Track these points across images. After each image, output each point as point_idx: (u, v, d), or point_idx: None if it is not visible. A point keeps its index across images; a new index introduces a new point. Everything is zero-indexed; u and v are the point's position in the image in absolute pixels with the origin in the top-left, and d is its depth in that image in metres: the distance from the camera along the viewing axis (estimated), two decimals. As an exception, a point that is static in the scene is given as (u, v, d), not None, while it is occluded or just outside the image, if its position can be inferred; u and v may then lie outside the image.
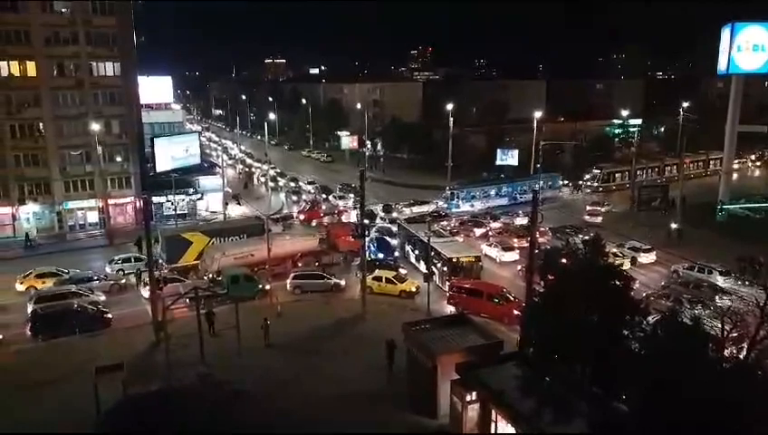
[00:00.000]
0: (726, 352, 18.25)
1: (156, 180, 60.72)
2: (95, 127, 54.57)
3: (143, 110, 66.73)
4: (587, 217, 60.05)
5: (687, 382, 15.40)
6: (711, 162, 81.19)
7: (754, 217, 51.25)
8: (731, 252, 43.74)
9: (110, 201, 58.16)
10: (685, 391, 15.25)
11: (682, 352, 16.52)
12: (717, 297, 34.84)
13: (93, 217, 58.09)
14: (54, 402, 26.07)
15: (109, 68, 56.84)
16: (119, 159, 58.34)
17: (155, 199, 57.70)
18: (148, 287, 36.63)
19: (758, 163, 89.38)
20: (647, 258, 46.75)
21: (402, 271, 43.76)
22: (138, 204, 57.51)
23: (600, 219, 59.34)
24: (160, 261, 43.41)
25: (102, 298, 39.00)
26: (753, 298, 20.08)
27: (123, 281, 42.69)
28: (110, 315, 36.06)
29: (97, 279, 42.10)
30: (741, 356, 18.41)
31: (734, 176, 69.00)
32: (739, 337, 19.33)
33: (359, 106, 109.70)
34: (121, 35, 56.88)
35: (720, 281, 40.13)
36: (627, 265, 40.77)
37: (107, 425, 22.94)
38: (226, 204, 61.76)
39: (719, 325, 19.76)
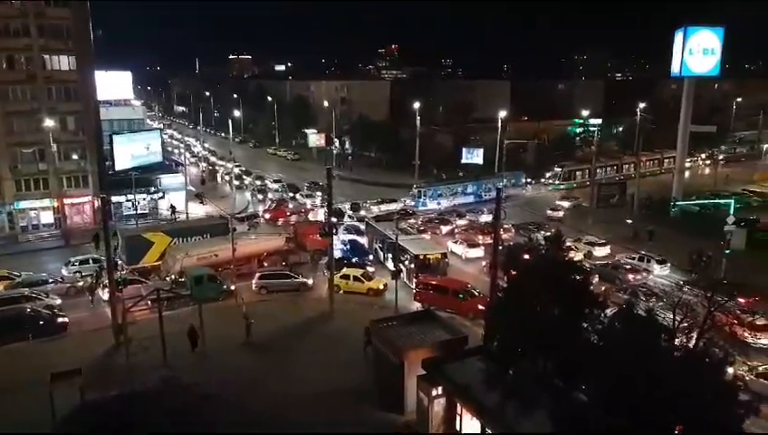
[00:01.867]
0: (677, 342, 18.90)
1: (115, 179, 59.34)
2: (49, 123, 52.76)
3: (101, 106, 64.96)
4: (549, 212, 62.01)
5: (643, 372, 15.91)
6: (665, 160, 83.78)
7: (705, 213, 53.10)
8: (684, 246, 45.76)
9: (66, 201, 56.45)
10: (641, 380, 15.76)
11: (637, 342, 17.05)
12: (631, 276, 41.81)
13: (48, 217, 56.28)
14: (7, 412, 25.02)
15: (63, 62, 55.04)
16: (75, 156, 56.59)
17: (114, 199, 56.33)
18: (107, 289, 35.82)
19: (708, 162, 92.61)
20: (601, 252, 48.18)
21: (370, 269, 43.85)
22: (96, 203, 56.00)
23: (561, 214, 61.54)
24: (120, 262, 42.44)
25: (58, 302, 37.80)
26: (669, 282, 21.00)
27: (80, 283, 41.51)
28: (66, 319, 34.94)
29: (52, 282, 40.91)
30: (690, 345, 19.11)
31: (687, 174, 71.29)
32: (689, 327, 20.08)
33: (326, 104, 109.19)
34: (77, 28, 55.16)
35: (657, 269, 43.64)
36: (580, 257, 42.19)
37: (63, 433, 22.34)
38: (169, 207, 60.72)
39: (671, 316, 20.45)
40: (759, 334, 31.11)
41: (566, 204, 65.94)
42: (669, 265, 44.25)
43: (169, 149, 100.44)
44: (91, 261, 44.08)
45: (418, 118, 75.19)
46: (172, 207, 60.29)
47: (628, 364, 16.16)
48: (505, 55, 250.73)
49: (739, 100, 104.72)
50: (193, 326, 30.63)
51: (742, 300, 28.14)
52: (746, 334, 29.92)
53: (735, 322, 22.21)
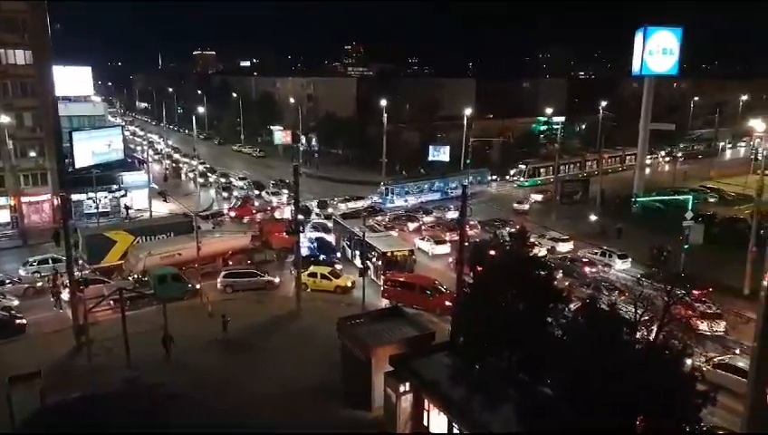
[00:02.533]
0: (638, 335, 19.43)
1: (75, 177, 57.87)
2: (4, 120, 51.16)
3: (60, 102, 63.22)
4: (516, 205, 64.45)
5: (605, 365, 16.33)
6: (627, 158, 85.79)
7: (665, 209, 54.61)
8: (645, 241, 47.09)
9: (24, 199, 54.75)
10: (603, 373, 16.17)
11: (600, 336, 17.49)
12: (588, 269, 43.33)
13: (4, 216, 54.55)
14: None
15: (19, 56, 53.36)
16: (33, 154, 54.94)
17: (75, 197, 54.91)
18: (67, 289, 34.96)
19: (668, 159, 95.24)
20: (564, 247, 49.21)
21: (338, 266, 43.82)
22: (55, 202, 54.48)
23: (527, 207, 64.21)
24: (81, 261, 41.44)
25: (16, 303, 36.82)
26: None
27: (39, 284, 40.38)
28: (24, 321, 34.06)
29: (9, 282, 39.76)
30: (651, 338, 19.67)
31: (647, 171, 73.22)
32: (649, 320, 20.66)
33: (292, 101, 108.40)
34: (33, 21, 53.57)
35: (618, 263, 44.99)
36: (543, 253, 42.97)
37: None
38: (123, 207, 59.50)
39: (633, 310, 21.01)
40: (708, 322, 32.29)
41: (539, 197, 68.40)
42: (630, 259, 45.44)
43: (132, 146, 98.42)
44: (50, 261, 42.89)
45: (385, 115, 75.35)
46: (126, 207, 58.94)
47: (591, 358, 16.58)
48: (471, 54, 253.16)
49: (696, 99, 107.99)
50: (167, 333, 29.73)
51: (696, 292, 29.11)
52: (699, 323, 30.95)
53: (690, 312, 22.99)
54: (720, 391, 18.79)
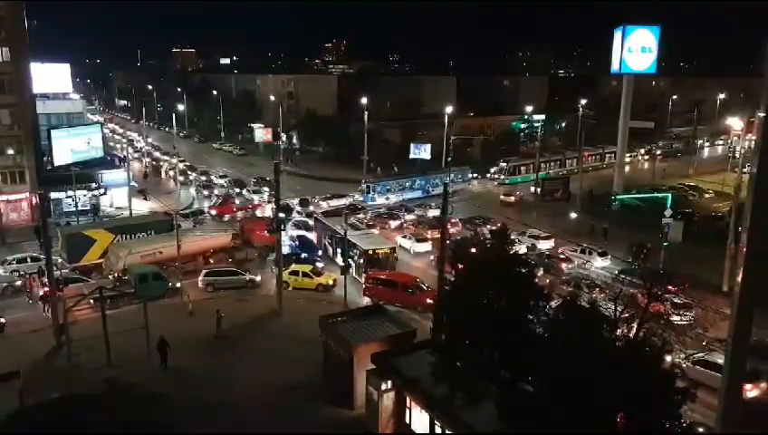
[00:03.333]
0: (618, 332, 19.70)
1: (54, 175, 57.08)
2: (-19, 117, 50.35)
3: (38, 99, 62.19)
4: (503, 197, 67.00)
5: (585, 362, 16.59)
6: (607, 156, 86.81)
7: (644, 207, 55.39)
8: (624, 238, 47.85)
9: (2, 197, 53.90)
10: (582, 370, 16.43)
11: (580, 333, 17.75)
12: (565, 265, 44.42)
13: (-18, 214, 53.65)
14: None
15: (-5, 53, 52.52)
16: (10, 151, 54.11)
17: (54, 195, 54.27)
18: (45, 288, 34.56)
19: (647, 157, 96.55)
20: (545, 244, 49.72)
21: (319, 265, 43.81)
22: (34, 200, 53.68)
23: (512, 199, 66.20)
24: (60, 260, 40.94)
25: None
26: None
27: (18, 283, 39.83)
28: (2, 320, 33.66)
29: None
30: (631, 335, 19.95)
31: (627, 169, 74.17)
32: (630, 317, 20.93)
33: (272, 98, 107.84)
34: (10, 18, 52.73)
35: (598, 261, 45.68)
36: (523, 250, 43.41)
37: (3, 437, 21.59)
38: (90, 207, 58.39)
39: (612, 307, 21.30)
40: (678, 311, 32.93)
41: (511, 199, 68.04)
42: (610, 256, 46.10)
43: (111, 144, 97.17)
44: (29, 259, 42.39)
45: (366, 113, 75.33)
46: (93, 206, 57.74)
47: (572, 355, 16.82)
48: (451, 51, 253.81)
49: (675, 97, 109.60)
50: (163, 338, 28.80)
51: (671, 287, 29.62)
52: (671, 314, 31.52)
53: (662, 305, 23.33)
54: (699, 388, 19.09)
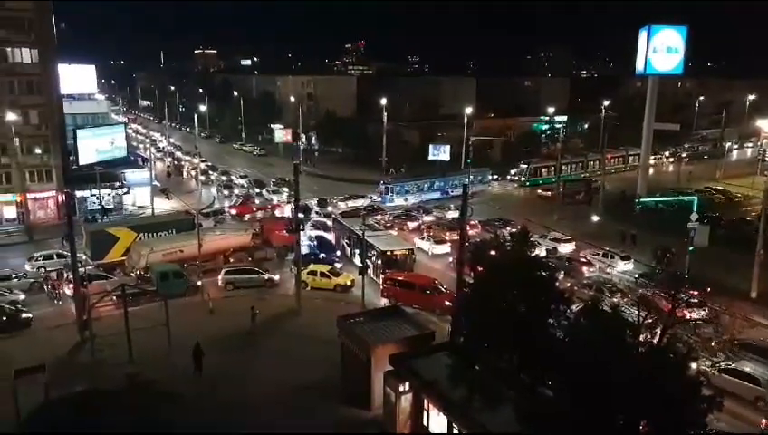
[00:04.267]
0: (642, 338, 19.38)
1: (79, 174, 58.12)
2: (11, 117, 51.22)
3: (65, 100, 63.47)
4: (540, 191, 69.20)
5: (607, 367, 16.33)
6: (630, 158, 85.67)
7: (668, 210, 54.45)
8: (648, 242, 46.98)
9: (30, 195, 55.05)
10: (605, 375, 16.18)
11: (602, 338, 17.48)
12: (585, 269, 43.85)
13: (11, 212, 54.84)
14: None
15: (25, 55, 53.62)
16: (38, 151, 55.24)
17: (79, 193, 55.34)
18: (71, 285, 35.18)
19: (672, 159, 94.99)
20: (566, 248, 49.18)
21: (337, 265, 43.89)
22: (60, 198, 54.74)
23: (549, 193, 67.25)
24: (85, 257, 41.66)
25: (21, 297, 37.06)
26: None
27: (53, 274, 40.56)
28: (29, 315, 34.31)
29: (15, 277, 39.91)
30: (654, 341, 19.63)
31: (651, 171, 73.07)
32: (653, 323, 20.61)
33: (292, 99, 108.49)
34: (39, 20, 53.83)
35: (621, 265, 44.90)
36: (543, 253, 43.00)
37: (28, 430, 21.96)
38: (100, 207, 58.29)
39: (635, 312, 20.99)
40: (691, 309, 32.24)
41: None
42: (633, 260, 45.34)
43: (134, 143, 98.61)
44: (55, 256, 43.25)
45: (385, 114, 75.32)
46: (102, 208, 57.63)
47: (593, 360, 16.56)
48: (471, 52, 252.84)
49: (702, 98, 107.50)
50: (199, 344, 28.48)
51: (693, 292, 29.11)
52: (686, 312, 30.93)
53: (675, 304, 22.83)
54: (726, 397, 18.71)
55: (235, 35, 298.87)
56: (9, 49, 52.79)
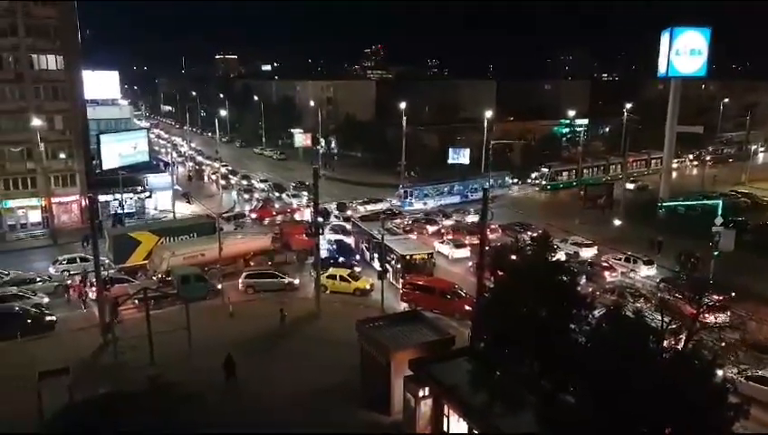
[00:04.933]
0: (666, 344, 19.06)
1: (102, 178, 58.96)
2: (37, 123, 52.18)
3: (88, 105, 64.50)
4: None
5: (631, 374, 16.06)
6: (652, 161, 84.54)
7: (691, 214, 53.54)
8: (671, 247, 46.27)
9: (54, 200, 55.98)
10: (628, 382, 15.91)
11: (625, 344, 17.19)
12: (607, 274, 43.35)
13: (36, 216, 55.76)
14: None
15: (51, 61, 54.56)
16: (62, 156, 56.15)
17: (102, 198, 56.02)
18: (93, 288, 35.68)
19: (696, 162, 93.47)
20: (588, 252, 48.62)
21: (356, 269, 43.90)
22: (83, 202, 55.62)
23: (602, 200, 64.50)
24: (107, 261, 42.21)
25: (46, 300, 37.61)
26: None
27: (68, 282, 41.22)
28: (53, 318, 34.83)
29: (40, 280, 40.58)
30: (679, 347, 19.28)
31: (674, 175, 71.97)
32: (678, 329, 20.24)
33: (312, 104, 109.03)
34: (64, 28, 54.77)
35: (644, 270, 44.29)
36: (562, 257, 42.51)
37: (51, 431, 22.25)
38: (113, 216, 58.35)
39: (659, 318, 20.65)
40: (713, 314, 31.56)
41: (631, 186, 67.54)
42: (656, 265, 44.71)
43: (156, 148, 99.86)
44: (78, 260, 43.84)
45: (404, 118, 75.36)
46: (116, 215, 57.60)
47: (616, 366, 16.30)
48: (491, 55, 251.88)
49: (726, 100, 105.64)
50: (230, 356, 28.06)
51: (716, 296, 28.58)
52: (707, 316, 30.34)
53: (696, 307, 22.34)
54: (753, 404, 18.30)
55: (255, 41, 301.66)
56: (35, 56, 53.78)
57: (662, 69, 62.98)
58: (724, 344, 21.60)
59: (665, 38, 61.97)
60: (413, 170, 78.19)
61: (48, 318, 34.60)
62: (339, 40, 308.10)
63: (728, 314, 31.68)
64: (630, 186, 67.44)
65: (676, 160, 75.67)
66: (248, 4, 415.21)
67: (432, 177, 73.21)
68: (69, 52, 55.48)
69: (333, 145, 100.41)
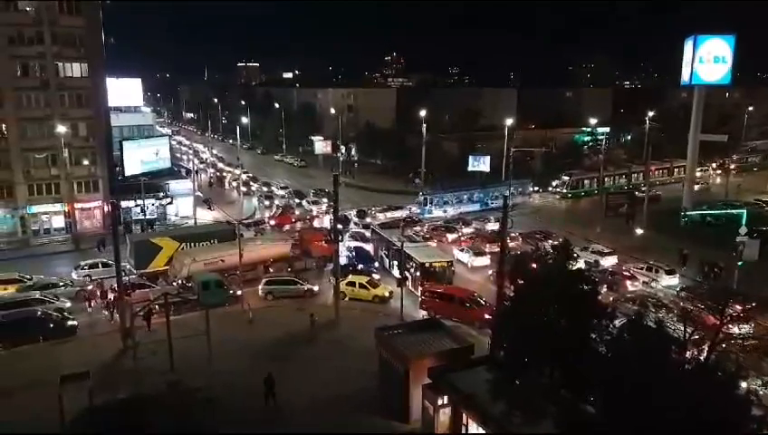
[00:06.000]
0: (688, 354, 18.71)
1: (125, 184, 59.75)
2: (61, 129, 53.24)
3: (112, 112, 65.57)
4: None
5: (652, 384, 15.77)
6: (675, 170, 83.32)
7: (715, 223, 52.56)
8: (694, 257, 45.49)
9: (77, 205, 56.87)
10: (649, 392, 15.63)
11: (647, 354, 16.90)
12: (629, 283, 42.52)
13: (59, 221, 56.65)
14: (17, 413, 25.38)
15: (76, 69, 55.66)
16: (86, 162, 57.10)
17: (124, 204, 56.78)
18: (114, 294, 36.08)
19: (719, 171, 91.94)
20: (608, 261, 47.95)
21: (375, 276, 43.85)
22: (106, 208, 56.42)
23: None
24: (129, 266, 42.70)
25: (68, 305, 38.10)
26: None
27: (90, 287, 41.76)
28: (75, 322, 35.28)
29: (62, 285, 41.16)
30: (702, 358, 18.91)
31: (698, 184, 70.81)
32: (700, 339, 19.86)
33: (332, 111, 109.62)
34: (89, 36, 55.84)
35: (666, 279, 43.33)
36: (582, 265, 41.99)
37: (72, 434, 22.46)
38: (123, 225, 57.52)
39: (681, 328, 20.28)
40: (737, 324, 30.86)
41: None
42: (678, 275, 43.99)
43: (178, 155, 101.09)
44: (100, 265, 44.38)
45: (424, 125, 75.27)
46: (126, 223, 57.66)
47: (638, 376, 16.02)
48: (512, 63, 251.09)
49: (751, 108, 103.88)
50: (271, 375, 26.99)
51: (738, 307, 27.98)
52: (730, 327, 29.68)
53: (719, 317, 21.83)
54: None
55: (277, 49, 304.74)
56: (61, 64, 54.87)
57: (685, 77, 62.10)
58: (747, 355, 21.13)
59: (688, 46, 61.14)
60: (415, 177, 78.09)
61: (70, 322, 35.05)
62: (359, 48, 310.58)
63: (752, 324, 31.02)
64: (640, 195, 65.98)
65: (699, 169, 74.42)
66: (270, 13, 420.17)
67: (451, 184, 72.49)
68: (93, 59, 56.55)
69: (353, 152, 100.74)
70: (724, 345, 20.63)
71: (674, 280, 43.48)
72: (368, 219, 61.57)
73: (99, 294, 38.94)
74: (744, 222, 41.81)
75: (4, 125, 53.54)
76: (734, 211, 49.22)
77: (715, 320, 21.73)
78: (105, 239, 49.81)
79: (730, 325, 25.26)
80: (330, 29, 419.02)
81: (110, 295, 38.07)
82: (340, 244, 42.28)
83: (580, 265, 40.70)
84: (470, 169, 77.30)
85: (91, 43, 56.10)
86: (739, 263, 39.41)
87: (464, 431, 22.47)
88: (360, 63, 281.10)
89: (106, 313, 37.72)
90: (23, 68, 53.62)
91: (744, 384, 18.83)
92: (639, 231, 54.91)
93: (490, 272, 44.23)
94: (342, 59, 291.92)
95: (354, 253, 48.68)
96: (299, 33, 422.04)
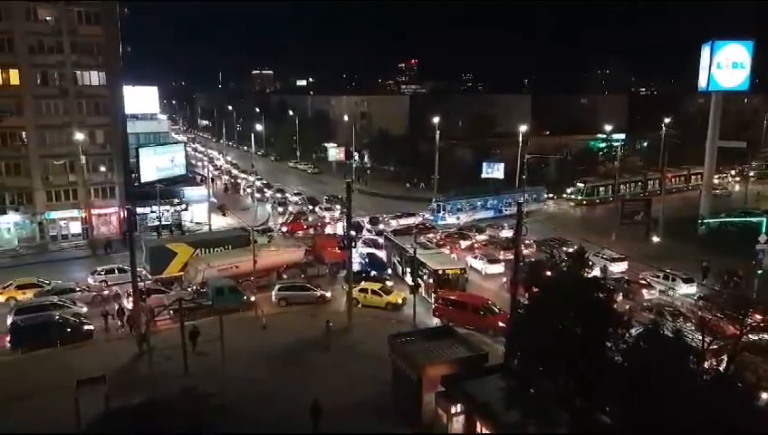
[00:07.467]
0: (707, 365, 18.42)
1: (140, 191, 60.36)
2: (79, 136, 54.08)
3: (128, 119, 66.35)
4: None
5: (669, 394, 15.55)
6: (692, 177, 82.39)
7: (733, 231, 51.83)
8: (713, 265, 44.85)
9: (94, 211, 57.56)
10: (666, 402, 15.41)
11: (664, 364, 16.68)
12: (645, 292, 41.85)
13: (76, 227, 57.34)
14: (34, 416, 25.66)
15: (94, 77, 56.45)
16: (103, 168, 57.80)
17: (139, 210, 57.35)
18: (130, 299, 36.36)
19: (738, 178, 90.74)
20: (618, 267, 47.41)
21: (388, 283, 43.77)
22: (122, 214, 57.04)
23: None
24: (144, 272, 43.05)
25: (84, 310, 38.46)
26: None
27: (106, 292, 42.14)
28: (92, 327, 35.58)
29: (79, 290, 41.58)
30: (721, 368, 18.61)
31: (716, 190, 69.89)
32: (719, 349, 19.54)
33: (346, 118, 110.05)
34: (107, 45, 56.62)
35: (683, 288, 42.72)
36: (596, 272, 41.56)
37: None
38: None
39: (700, 337, 19.99)
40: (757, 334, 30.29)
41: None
42: (696, 284, 43.37)
43: (193, 161, 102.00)
44: (116, 271, 44.80)
45: (438, 132, 75.26)
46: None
47: (655, 386, 15.80)
48: (526, 69, 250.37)
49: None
50: (317, 402, 25.46)
51: (758, 316, 27.58)
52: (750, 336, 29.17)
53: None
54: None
55: (291, 56, 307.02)
56: (79, 72, 55.70)
57: (702, 83, 61.49)
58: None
59: (705, 51, 60.59)
60: (422, 182, 77.92)
61: (86, 327, 35.37)
62: (373, 55, 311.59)
63: None
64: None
65: (717, 176, 73.50)
66: (284, 20, 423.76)
67: (462, 191, 72.35)
68: (111, 68, 57.29)
69: (366, 159, 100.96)
70: (745, 355, 20.31)
71: (692, 289, 42.89)
72: (381, 226, 61.55)
73: (116, 310, 38.76)
74: (763, 230, 41.24)
75: (24, 132, 54.40)
76: (753, 219, 48.48)
77: (735, 329, 21.42)
78: (111, 242, 50.33)
79: (750, 335, 24.86)
80: (344, 35, 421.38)
81: (125, 302, 38.28)
82: (353, 250, 42.28)
83: (596, 272, 40.52)
84: (483, 175, 77.06)
85: (109, 52, 56.87)
86: (758, 271, 38.85)
87: (477, 440, 22.28)
88: (372, 71, 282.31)
89: (123, 329, 37.55)
90: (42, 76, 54.47)
91: (765, 395, 18.53)
92: (656, 239, 54.32)
93: (504, 279, 44.00)
94: (355, 66, 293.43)
95: (367, 259, 48.67)
96: (312, 41, 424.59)
